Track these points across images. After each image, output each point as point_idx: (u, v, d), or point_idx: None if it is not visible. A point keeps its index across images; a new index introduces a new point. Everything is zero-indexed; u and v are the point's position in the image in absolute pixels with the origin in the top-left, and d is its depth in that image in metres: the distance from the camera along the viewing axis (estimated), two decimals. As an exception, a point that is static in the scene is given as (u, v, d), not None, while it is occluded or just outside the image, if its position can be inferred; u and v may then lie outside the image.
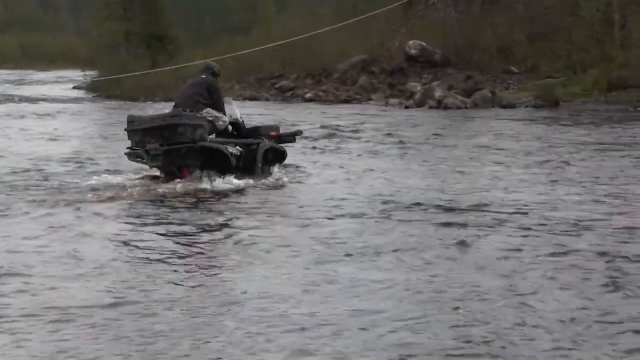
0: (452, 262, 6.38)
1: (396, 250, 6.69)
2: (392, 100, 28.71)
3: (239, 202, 9.05)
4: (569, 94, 27.45)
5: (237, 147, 10.49)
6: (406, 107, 26.76)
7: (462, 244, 6.85)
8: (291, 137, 12.02)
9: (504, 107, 25.95)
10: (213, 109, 10.54)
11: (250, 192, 9.66)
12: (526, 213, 8.12)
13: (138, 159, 10.33)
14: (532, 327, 4.88)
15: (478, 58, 33.14)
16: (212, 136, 10.58)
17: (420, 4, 36.26)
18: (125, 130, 10.36)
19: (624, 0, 31.71)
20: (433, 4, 35.31)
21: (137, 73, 28.86)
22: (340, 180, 10.62)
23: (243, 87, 37.46)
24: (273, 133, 11.43)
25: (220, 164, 10.09)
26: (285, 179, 10.49)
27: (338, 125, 18.56)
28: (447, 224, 7.63)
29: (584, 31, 31.28)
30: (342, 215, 8.13)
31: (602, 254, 6.47)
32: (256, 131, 11.34)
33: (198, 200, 9.11)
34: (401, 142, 15.16)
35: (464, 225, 7.54)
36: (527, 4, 34.50)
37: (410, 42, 33.35)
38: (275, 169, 10.82)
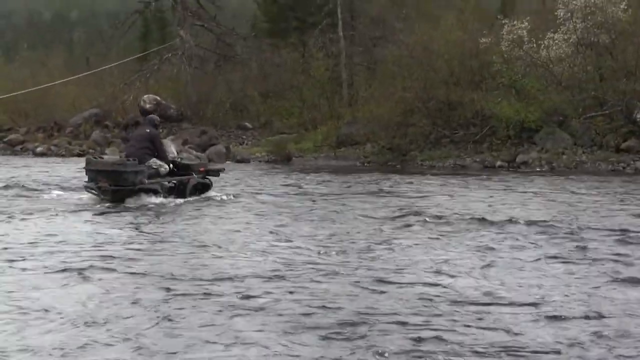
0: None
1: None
2: (127, 155, 28.17)
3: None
4: (301, 149, 28.26)
5: (173, 182, 13.19)
6: (142, 162, 26.37)
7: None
8: (216, 172, 14.32)
9: (238, 161, 26.28)
10: (157, 157, 13.02)
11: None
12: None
13: (92, 192, 12.70)
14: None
15: (212, 113, 33.47)
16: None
17: (155, 58, 36.07)
18: (84, 168, 13.05)
19: (351, 60, 33.41)
20: (168, 59, 35.24)
21: None
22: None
23: (-34, 140, 35.23)
24: (202, 169, 14.02)
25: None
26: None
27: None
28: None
29: (314, 89, 32.54)
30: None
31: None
32: (188, 167, 13.74)
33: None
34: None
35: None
36: (260, 62, 35.39)
37: (145, 96, 33.02)
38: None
